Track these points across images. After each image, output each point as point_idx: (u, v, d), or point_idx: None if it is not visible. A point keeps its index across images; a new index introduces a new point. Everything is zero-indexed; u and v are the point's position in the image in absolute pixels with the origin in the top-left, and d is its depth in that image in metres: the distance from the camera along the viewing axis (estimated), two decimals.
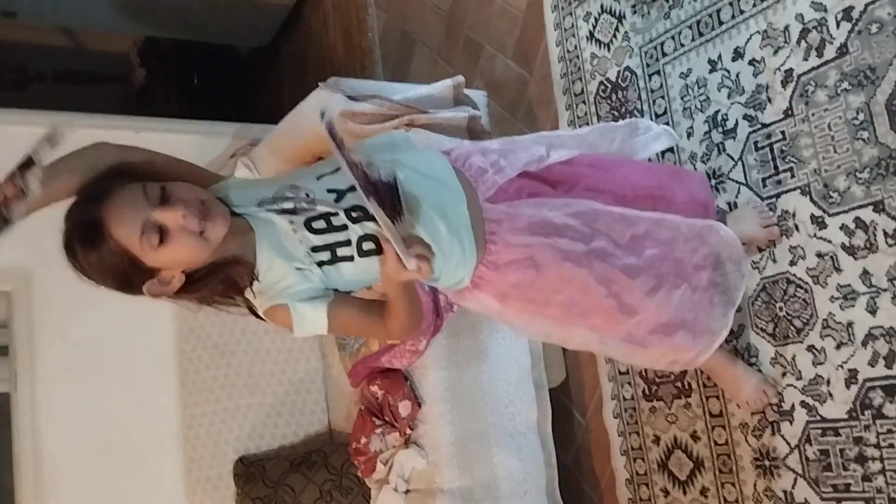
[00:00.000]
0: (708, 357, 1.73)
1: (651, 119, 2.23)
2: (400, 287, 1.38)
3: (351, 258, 1.41)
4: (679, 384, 2.17)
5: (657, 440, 2.26)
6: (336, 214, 1.40)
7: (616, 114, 2.36)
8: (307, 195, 1.42)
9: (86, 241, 1.25)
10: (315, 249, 1.40)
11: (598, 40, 2.42)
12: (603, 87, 2.41)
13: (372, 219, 1.35)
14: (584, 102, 2.48)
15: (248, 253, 1.39)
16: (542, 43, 2.67)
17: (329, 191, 1.43)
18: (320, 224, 1.41)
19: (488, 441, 2.27)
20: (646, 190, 1.70)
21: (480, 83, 2.95)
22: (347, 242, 1.41)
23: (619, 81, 2.35)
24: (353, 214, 1.41)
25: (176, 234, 1.27)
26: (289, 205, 1.41)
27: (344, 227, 1.41)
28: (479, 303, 1.61)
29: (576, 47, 2.51)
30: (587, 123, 2.46)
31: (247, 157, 2.83)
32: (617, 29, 2.35)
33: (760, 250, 1.94)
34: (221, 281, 1.38)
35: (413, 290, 1.42)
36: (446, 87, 2.52)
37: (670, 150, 2.16)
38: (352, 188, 1.38)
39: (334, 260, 1.41)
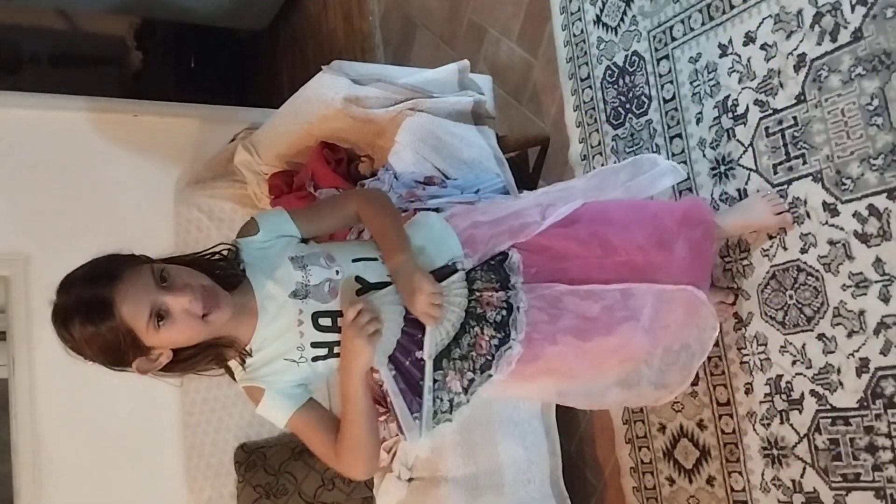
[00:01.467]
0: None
1: (659, 104, 2.21)
2: (352, 389, 1.41)
3: None
4: None
5: (663, 429, 2.24)
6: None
7: (623, 98, 2.33)
8: (337, 272, 1.46)
9: (90, 319, 1.27)
10: (314, 345, 1.44)
11: (605, 24, 2.39)
12: (610, 72, 2.38)
13: None
14: (590, 87, 2.45)
15: (243, 331, 1.42)
16: (547, 27, 2.63)
17: (357, 278, 1.47)
18: (327, 322, 1.45)
19: (492, 429, 2.25)
20: (647, 247, 1.69)
21: (484, 67, 2.92)
22: None
23: (627, 66, 2.32)
24: None
25: (179, 317, 1.30)
26: (315, 280, 1.44)
27: None
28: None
29: (582, 31, 2.47)
30: (593, 109, 2.43)
31: (247, 140, 2.80)
32: (625, 13, 2.32)
33: (771, 238, 1.92)
34: (209, 360, 1.42)
35: (367, 411, 1.43)
36: (451, 72, 2.49)
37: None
38: (378, 285, 1.47)
39: (329, 356, 1.46)
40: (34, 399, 2.58)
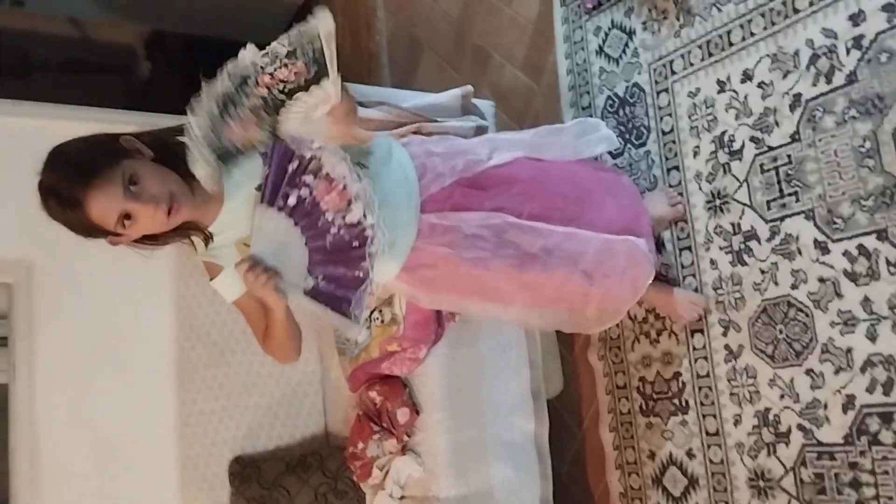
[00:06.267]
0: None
1: (657, 136, 2.25)
2: (279, 313, 1.55)
3: None
4: (676, 401, 2.18)
5: (652, 456, 2.27)
6: None
7: (623, 129, 2.37)
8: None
9: (62, 207, 1.43)
10: None
11: (607, 55, 2.43)
12: (610, 102, 2.42)
13: None
14: (590, 116, 2.49)
15: (209, 216, 1.58)
16: (550, 55, 2.68)
17: None
18: None
19: (485, 450, 2.28)
20: (576, 199, 1.90)
21: (487, 92, 2.96)
22: None
23: (627, 97, 2.36)
24: None
25: (143, 220, 1.46)
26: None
27: None
28: (392, 287, 1.87)
29: (585, 61, 2.52)
30: None
31: None
32: (626, 45, 2.36)
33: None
34: (177, 238, 1.59)
35: (285, 320, 1.58)
36: (454, 97, 2.53)
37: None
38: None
39: None
40: (33, 405, 2.60)
